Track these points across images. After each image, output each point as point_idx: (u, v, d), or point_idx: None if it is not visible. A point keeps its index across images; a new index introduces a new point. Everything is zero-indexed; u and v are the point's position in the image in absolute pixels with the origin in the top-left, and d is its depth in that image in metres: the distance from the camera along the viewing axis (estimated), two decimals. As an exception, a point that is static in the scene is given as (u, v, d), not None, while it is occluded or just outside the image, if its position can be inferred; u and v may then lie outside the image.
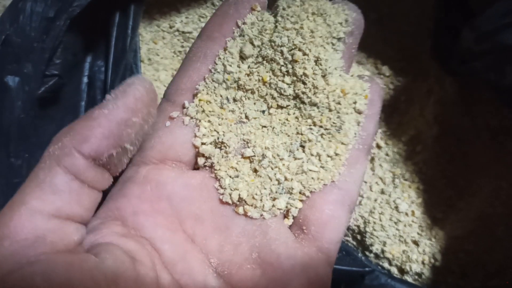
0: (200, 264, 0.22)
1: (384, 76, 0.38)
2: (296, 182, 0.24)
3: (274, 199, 0.24)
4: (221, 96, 0.25)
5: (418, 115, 0.36)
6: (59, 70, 0.33)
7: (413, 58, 0.38)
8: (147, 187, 0.23)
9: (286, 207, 0.24)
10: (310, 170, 0.24)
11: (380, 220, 0.33)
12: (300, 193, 0.24)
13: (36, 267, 0.18)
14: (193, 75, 0.25)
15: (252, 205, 0.24)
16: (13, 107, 0.31)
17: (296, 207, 0.24)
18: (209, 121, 0.25)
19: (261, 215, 0.24)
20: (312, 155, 0.24)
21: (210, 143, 0.25)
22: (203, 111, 0.25)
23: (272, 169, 0.25)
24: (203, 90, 0.25)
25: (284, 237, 0.23)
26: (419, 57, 0.38)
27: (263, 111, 0.26)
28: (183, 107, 0.25)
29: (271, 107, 0.25)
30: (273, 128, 0.25)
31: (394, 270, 0.33)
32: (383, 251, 0.33)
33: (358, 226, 0.34)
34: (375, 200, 0.34)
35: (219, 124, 0.25)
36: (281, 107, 0.25)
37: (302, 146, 0.25)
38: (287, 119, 0.25)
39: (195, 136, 0.25)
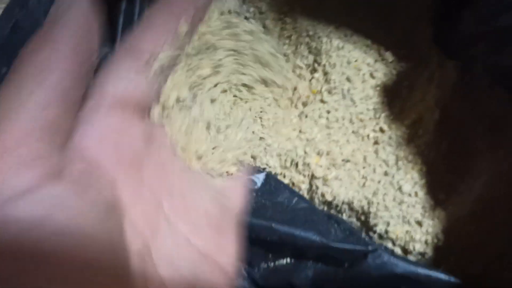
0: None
1: (387, 62, 0.39)
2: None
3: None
4: None
5: (419, 100, 0.36)
6: (67, 55, 0.34)
7: (415, 46, 0.39)
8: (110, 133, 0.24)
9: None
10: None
11: (384, 201, 0.34)
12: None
13: None
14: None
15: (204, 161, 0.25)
16: (24, 91, 0.32)
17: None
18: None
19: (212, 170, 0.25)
20: None
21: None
22: None
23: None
24: None
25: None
26: (421, 44, 0.39)
27: None
28: None
29: None
30: None
31: (398, 250, 0.34)
32: (386, 231, 0.34)
33: (362, 207, 0.34)
34: (379, 181, 0.35)
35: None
36: None
37: None
38: None
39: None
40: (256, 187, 0.35)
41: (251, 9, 0.41)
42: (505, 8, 0.31)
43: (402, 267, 0.31)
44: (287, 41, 0.41)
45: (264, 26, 0.41)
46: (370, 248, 0.32)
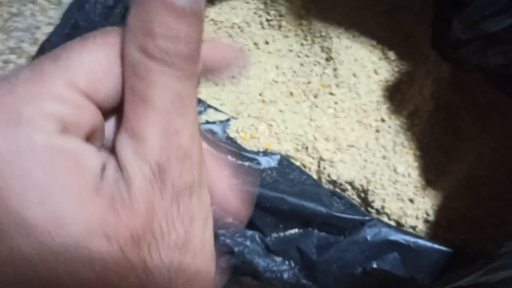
0: None
1: (390, 60, 0.44)
2: None
3: None
4: None
5: (417, 94, 0.41)
6: (115, 50, 0.40)
7: (416, 45, 0.44)
8: None
9: None
10: None
11: (381, 180, 0.39)
12: None
13: None
14: None
15: None
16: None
17: None
18: None
19: None
20: None
21: None
22: None
23: None
24: None
25: None
26: (421, 44, 0.44)
27: None
28: None
29: None
30: None
31: (392, 224, 0.39)
32: (383, 207, 0.39)
33: (362, 185, 0.40)
34: (377, 164, 0.40)
35: None
36: None
37: None
38: None
39: None
40: (271, 166, 0.41)
41: (272, 12, 0.47)
42: (486, 17, 0.36)
43: (395, 235, 0.36)
44: (303, 41, 0.47)
45: (281, 27, 0.47)
46: (367, 218, 0.37)
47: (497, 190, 0.38)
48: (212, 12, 0.47)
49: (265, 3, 0.48)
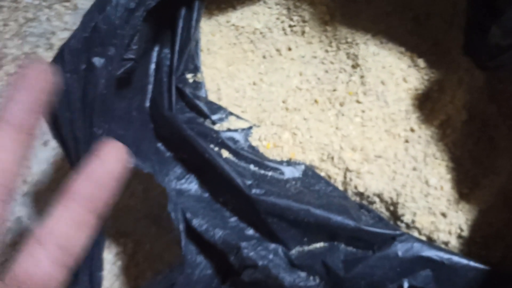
0: None
1: (419, 68, 0.42)
2: None
3: None
4: None
5: (448, 102, 0.40)
6: (135, 55, 0.39)
7: (446, 53, 0.42)
8: None
9: None
10: None
11: (411, 193, 0.37)
12: None
13: None
14: None
15: None
16: (98, 84, 0.37)
17: None
18: None
19: None
20: None
21: None
22: None
23: None
24: None
25: None
26: (451, 51, 0.42)
27: None
28: None
29: None
30: None
31: (423, 239, 0.37)
32: (413, 221, 0.37)
33: (391, 198, 0.38)
34: (407, 175, 0.38)
35: None
36: None
37: None
38: None
39: None
40: (295, 176, 0.39)
41: (295, 18, 0.46)
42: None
43: (428, 251, 0.35)
44: (328, 48, 0.45)
45: (304, 33, 0.45)
46: (398, 232, 0.35)
47: (536, 205, 0.36)
48: (234, 17, 0.46)
49: (288, 9, 0.46)
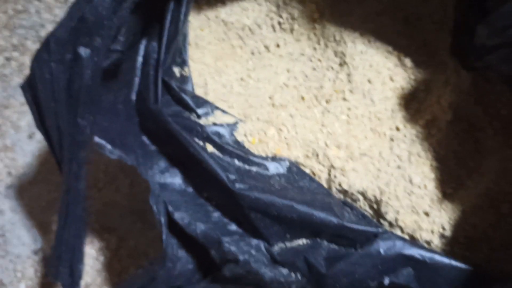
0: None
1: (406, 68, 0.42)
2: None
3: None
4: None
5: (435, 102, 0.40)
6: (122, 46, 0.39)
7: (434, 53, 0.42)
8: None
9: None
10: None
11: (395, 191, 0.37)
12: None
13: None
14: None
15: None
16: (83, 74, 0.36)
17: None
18: None
19: None
20: None
21: None
22: None
23: None
24: None
25: None
26: (439, 52, 0.42)
27: None
28: None
29: None
30: None
31: (406, 238, 0.37)
32: (396, 220, 0.37)
33: (375, 196, 0.38)
34: (392, 174, 0.38)
35: None
36: None
37: None
38: None
39: None
40: (280, 172, 0.39)
41: (284, 15, 0.45)
42: (516, 22, 0.34)
43: (410, 249, 0.34)
44: (316, 45, 0.45)
45: (293, 30, 0.45)
46: (380, 230, 0.35)
47: (519, 206, 0.36)
48: (223, 12, 0.46)
49: (278, 6, 0.46)
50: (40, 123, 0.38)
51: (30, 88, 0.37)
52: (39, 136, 0.55)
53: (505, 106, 0.38)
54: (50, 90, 0.37)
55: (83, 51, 0.36)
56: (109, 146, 0.39)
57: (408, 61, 0.42)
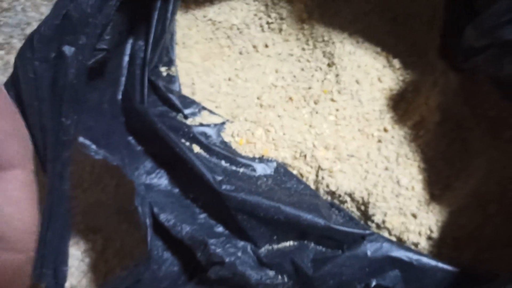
0: None
1: (394, 69, 0.42)
2: None
3: None
4: None
5: (423, 104, 0.39)
6: (107, 45, 0.38)
7: (422, 54, 0.42)
8: None
9: None
10: None
11: (383, 192, 0.37)
12: None
13: None
14: None
15: None
16: (67, 73, 0.36)
17: None
18: None
19: None
20: None
21: None
22: None
23: None
24: None
25: None
26: (428, 53, 0.42)
27: None
28: None
29: None
30: None
31: (393, 240, 0.37)
32: (383, 221, 0.37)
33: (363, 198, 0.37)
34: (379, 175, 0.38)
35: None
36: None
37: None
38: None
39: None
40: (267, 173, 0.39)
41: (273, 15, 0.45)
42: (504, 23, 0.34)
43: (397, 251, 0.34)
44: (305, 46, 0.45)
45: (281, 30, 0.45)
46: (367, 232, 0.35)
47: (506, 208, 0.36)
48: (211, 11, 0.45)
49: (266, 5, 0.46)
50: (24, 121, 0.37)
51: (13, 86, 0.37)
52: (24, 135, 0.54)
53: (492, 107, 0.38)
54: (34, 88, 0.36)
55: (68, 50, 0.36)
56: (93, 146, 0.38)
57: (396, 62, 0.42)
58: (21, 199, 0.18)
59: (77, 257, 0.51)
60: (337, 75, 0.41)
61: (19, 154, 0.17)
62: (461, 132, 0.38)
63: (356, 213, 0.39)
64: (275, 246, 0.37)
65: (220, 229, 0.37)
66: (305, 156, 0.39)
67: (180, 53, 0.44)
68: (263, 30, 0.46)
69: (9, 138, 0.16)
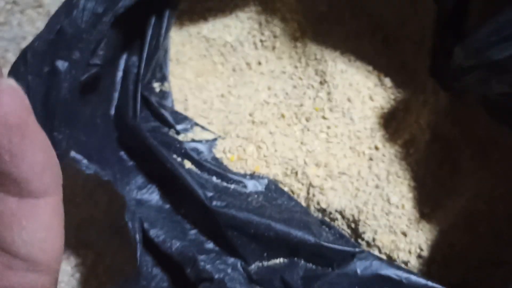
0: None
1: (386, 87, 0.42)
2: None
3: None
4: None
5: (413, 122, 0.40)
6: (101, 60, 0.38)
7: (413, 74, 0.43)
8: None
9: None
10: None
11: (373, 210, 0.37)
12: None
13: None
14: None
15: None
16: (60, 88, 0.36)
17: None
18: None
19: None
20: None
21: None
22: None
23: None
24: None
25: None
26: (418, 73, 0.43)
27: None
28: None
29: None
30: None
31: (383, 258, 0.37)
32: (374, 239, 0.37)
33: (353, 215, 0.37)
34: (370, 193, 0.38)
35: None
36: None
37: None
38: None
39: None
40: (258, 190, 0.39)
41: (266, 33, 0.46)
42: (492, 44, 0.35)
43: (387, 269, 0.34)
44: (297, 64, 0.45)
45: (275, 48, 0.45)
46: (357, 250, 0.35)
47: (496, 227, 0.36)
48: (205, 28, 0.46)
49: (260, 23, 0.46)
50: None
51: (5, 100, 0.37)
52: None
53: (482, 127, 0.39)
54: (27, 103, 0.36)
55: (61, 65, 0.36)
56: (85, 161, 0.39)
57: (387, 81, 0.42)
58: (52, 225, 0.19)
59: (67, 272, 0.50)
60: (329, 93, 0.42)
61: (52, 183, 0.18)
62: (451, 152, 0.39)
63: (346, 231, 0.39)
64: (265, 263, 0.37)
65: (210, 245, 0.37)
66: (296, 173, 0.39)
67: (174, 69, 0.44)
68: (256, 48, 0.46)
69: (44, 169, 0.18)
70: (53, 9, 0.62)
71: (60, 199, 0.19)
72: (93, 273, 0.51)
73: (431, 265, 0.36)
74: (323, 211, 0.39)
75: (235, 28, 0.46)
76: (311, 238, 0.35)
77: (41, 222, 0.19)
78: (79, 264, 0.51)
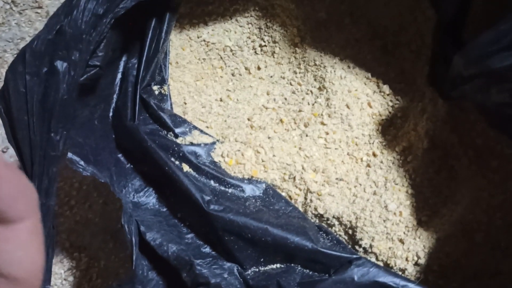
0: None
1: (384, 94, 0.42)
2: None
3: None
4: None
5: (411, 130, 0.40)
6: (100, 61, 0.38)
7: (411, 82, 0.43)
8: None
9: None
10: None
11: (371, 217, 0.37)
12: None
13: None
14: None
15: None
16: (59, 88, 0.36)
17: None
18: None
19: None
20: None
21: None
22: None
23: None
24: None
25: None
26: (417, 81, 0.43)
27: None
28: None
29: None
30: None
31: (380, 265, 0.37)
32: (371, 246, 0.37)
33: (350, 222, 0.37)
34: (367, 200, 0.38)
35: None
36: None
37: None
38: None
39: None
40: (256, 194, 0.39)
41: (266, 38, 0.46)
42: (491, 53, 0.35)
43: (384, 277, 0.34)
44: (296, 69, 0.45)
45: (274, 53, 0.45)
46: (355, 256, 0.35)
47: (493, 236, 0.36)
48: (205, 32, 0.46)
49: (260, 29, 0.46)
50: (12, 136, 0.37)
51: (3, 99, 0.36)
52: (12, 151, 0.54)
53: (479, 136, 0.39)
54: (24, 102, 0.36)
55: (60, 65, 0.36)
56: (82, 163, 0.38)
57: (386, 88, 0.42)
58: (30, 244, 0.20)
59: (60, 275, 0.50)
60: (327, 99, 0.42)
61: (27, 208, 0.20)
62: (449, 160, 0.39)
63: (343, 237, 0.38)
64: (262, 269, 0.37)
65: (207, 249, 0.37)
66: (294, 178, 0.39)
67: (173, 73, 0.44)
68: (256, 53, 0.46)
69: (17, 197, 0.19)
70: (52, 10, 0.62)
71: (37, 220, 0.20)
72: (87, 276, 0.50)
73: (428, 273, 0.36)
74: (320, 217, 0.38)
75: (235, 33, 0.46)
76: (308, 244, 0.35)
77: (19, 243, 0.20)
78: (72, 268, 0.51)
